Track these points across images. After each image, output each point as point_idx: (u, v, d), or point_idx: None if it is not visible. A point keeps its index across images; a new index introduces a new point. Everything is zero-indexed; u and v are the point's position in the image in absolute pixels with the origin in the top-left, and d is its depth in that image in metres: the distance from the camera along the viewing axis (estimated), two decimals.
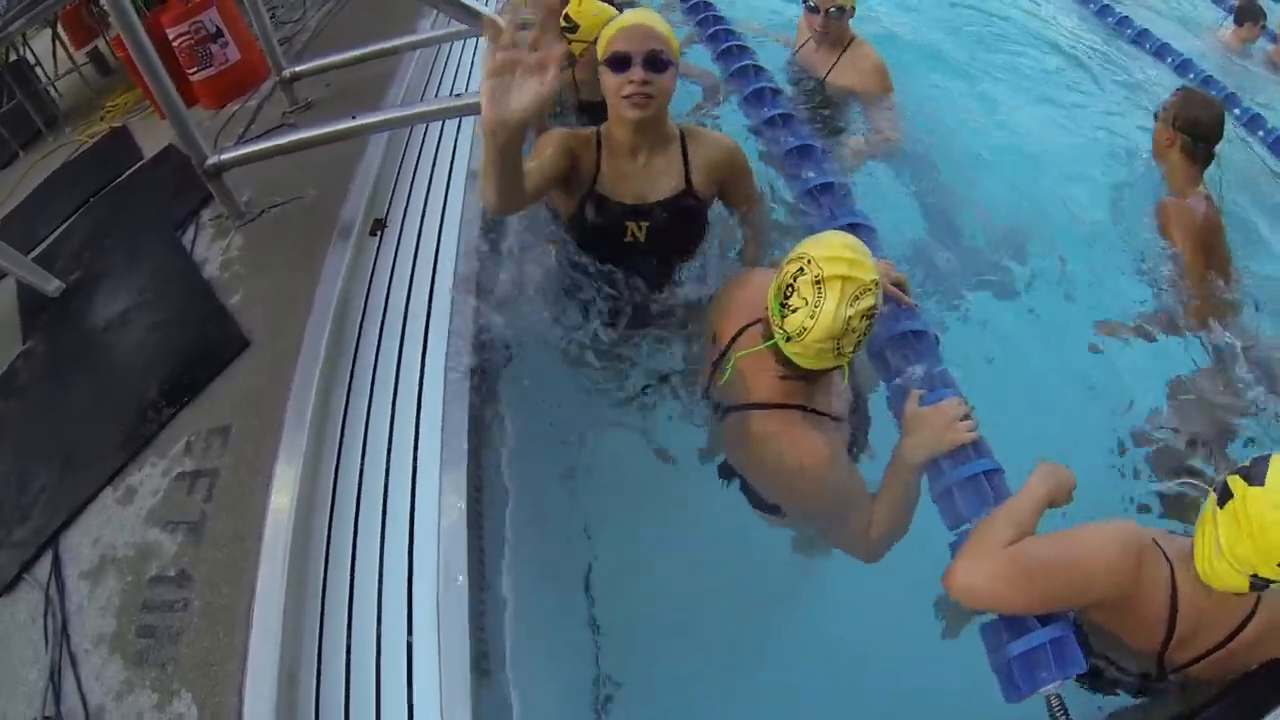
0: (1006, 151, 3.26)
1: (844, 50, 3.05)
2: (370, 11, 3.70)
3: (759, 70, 2.56)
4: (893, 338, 1.74)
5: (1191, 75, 3.97)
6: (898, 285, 1.78)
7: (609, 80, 1.74)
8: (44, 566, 1.65)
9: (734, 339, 1.63)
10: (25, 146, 4.45)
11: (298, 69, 2.71)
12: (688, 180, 1.89)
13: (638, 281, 1.99)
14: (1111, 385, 2.38)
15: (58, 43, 4.18)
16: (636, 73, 1.69)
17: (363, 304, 1.96)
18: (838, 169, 2.32)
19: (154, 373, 1.99)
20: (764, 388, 1.53)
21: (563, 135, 1.85)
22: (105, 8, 1.93)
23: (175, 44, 3.15)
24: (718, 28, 2.78)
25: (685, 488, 1.94)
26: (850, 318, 1.32)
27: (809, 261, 1.34)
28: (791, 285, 1.36)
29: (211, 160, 2.13)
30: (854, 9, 2.98)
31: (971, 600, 1.32)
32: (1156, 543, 1.30)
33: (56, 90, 4.50)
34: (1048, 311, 2.60)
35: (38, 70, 4.43)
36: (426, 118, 2.24)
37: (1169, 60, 4.19)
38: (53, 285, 2.52)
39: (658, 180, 1.88)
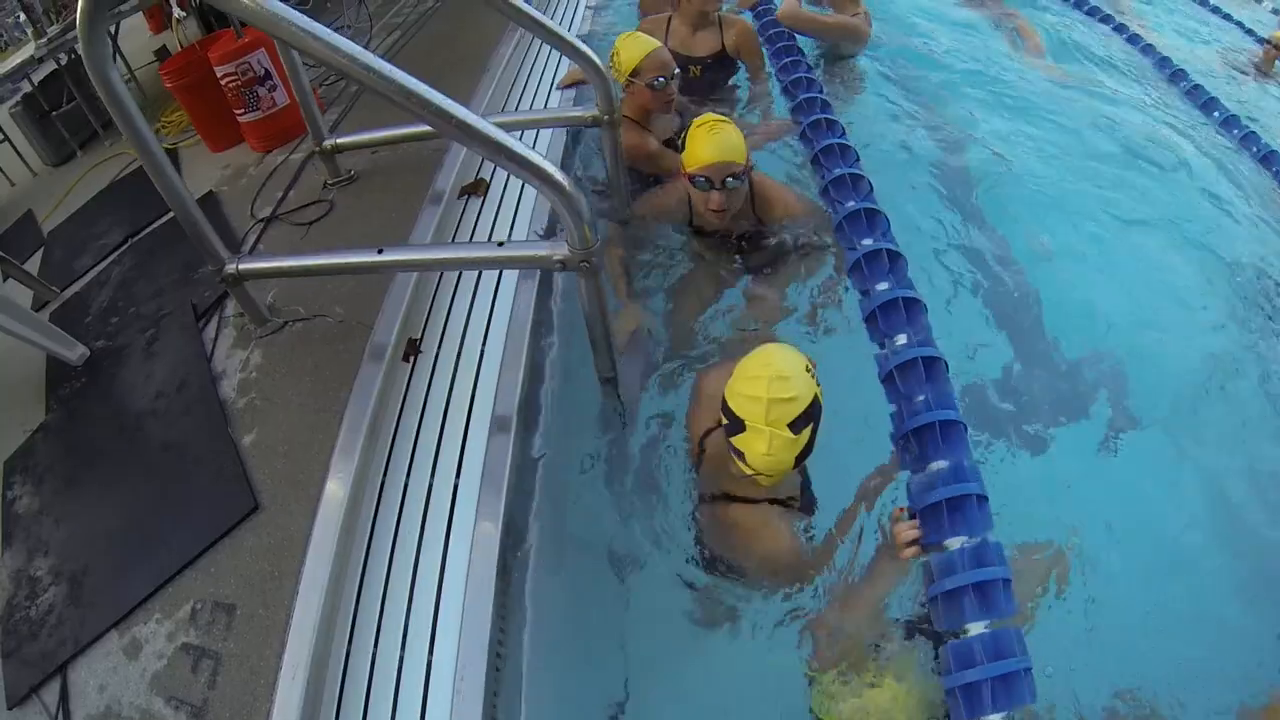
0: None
1: None
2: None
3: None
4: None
5: None
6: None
7: (695, 193, 2.19)
8: (52, 692, 1.61)
9: (704, 438, 1.78)
10: (84, 146, 4.42)
11: (339, 141, 2.46)
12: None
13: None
14: None
15: (118, 55, 4.06)
16: (715, 197, 2.15)
17: (385, 463, 1.75)
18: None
19: (163, 507, 1.85)
20: (737, 483, 1.66)
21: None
22: None
23: (223, 82, 2.95)
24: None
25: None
26: (782, 446, 1.44)
27: (736, 399, 1.48)
28: (732, 420, 1.50)
29: (230, 268, 1.91)
30: None
31: None
32: None
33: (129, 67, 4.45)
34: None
35: None
36: (463, 265, 1.97)
37: None
38: (77, 353, 2.42)
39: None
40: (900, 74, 3.94)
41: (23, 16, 4.66)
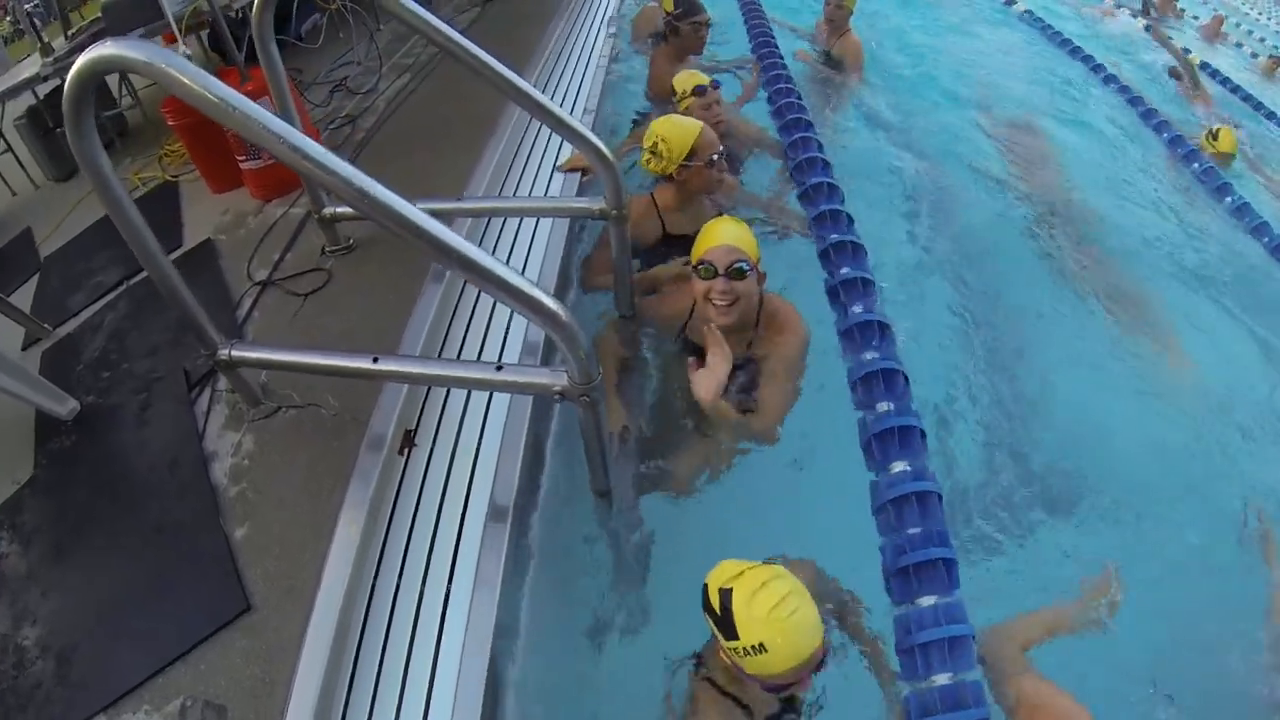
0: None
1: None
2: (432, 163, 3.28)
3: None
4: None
5: None
6: None
7: (698, 284, 2.14)
8: None
9: None
10: None
11: (337, 211, 2.43)
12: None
13: None
14: None
15: (123, 83, 4.02)
16: (719, 285, 2.08)
17: (376, 567, 1.75)
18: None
19: (153, 594, 1.84)
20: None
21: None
22: None
23: (225, 128, 2.91)
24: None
25: None
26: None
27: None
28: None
29: (224, 353, 1.89)
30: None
31: None
32: None
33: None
34: None
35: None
36: (459, 384, 1.94)
37: None
38: (67, 407, 2.40)
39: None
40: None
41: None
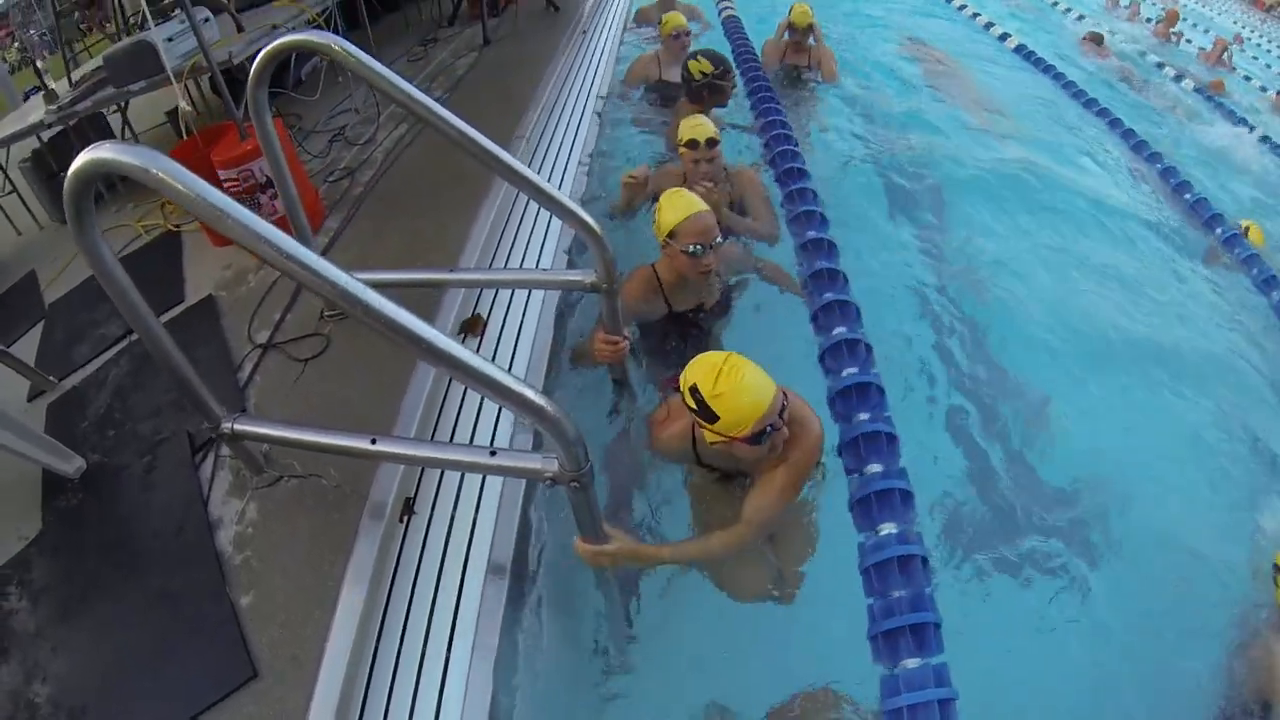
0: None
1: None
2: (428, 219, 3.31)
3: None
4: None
5: None
6: None
7: (682, 260, 2.44)
8: None
9: None
10: (96, 200, 4.44)
11: None
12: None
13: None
14: None
15: (126, 126, 4.10)
16: (709, 258, 2.43)
17: (380, 622, 1.84)
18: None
19: (160, 658, 1.90)
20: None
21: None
22: None
23: (225, 186, 3.01)
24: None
25: None
26: None
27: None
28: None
29: (226, 427, 1.97)
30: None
31: None
32: None
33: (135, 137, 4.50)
34: None
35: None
36: (454, 466, 2.02)
37: None
38: (74, 466, 2.47)
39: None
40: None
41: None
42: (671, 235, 2.44)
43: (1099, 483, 2.66)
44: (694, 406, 1.79)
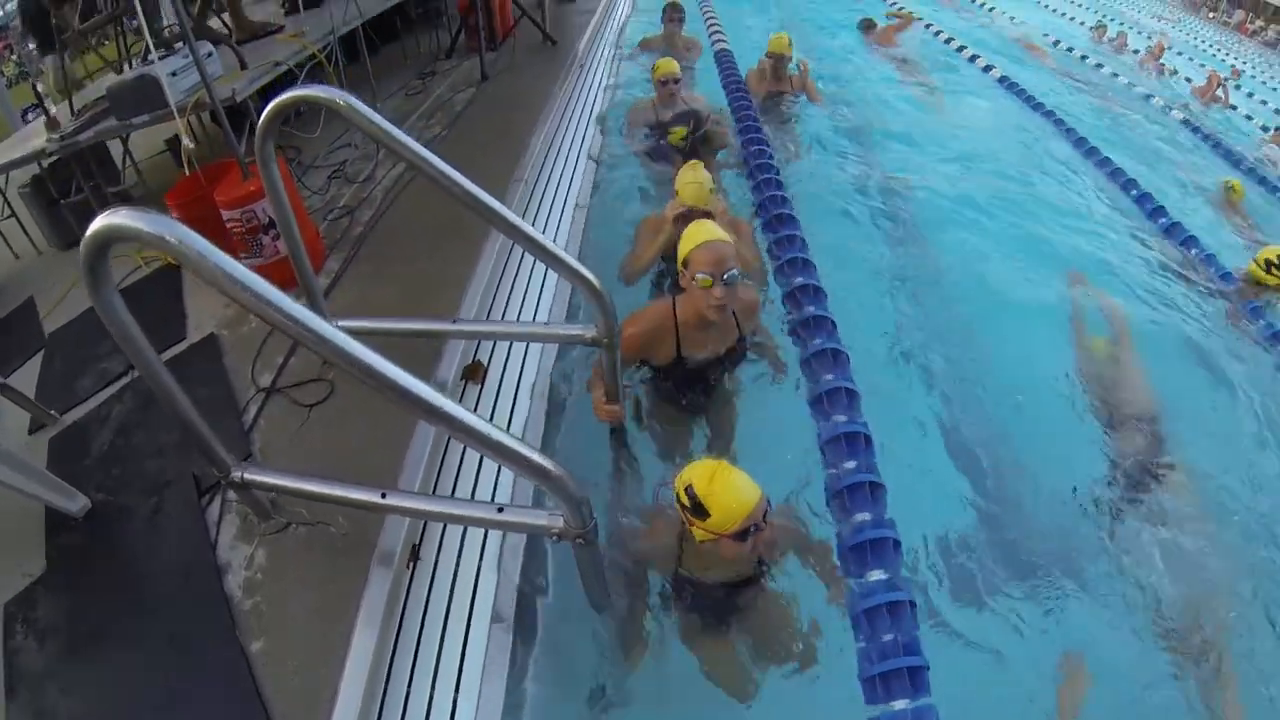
0: None
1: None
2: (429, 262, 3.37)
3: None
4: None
5: None
6: None
7: (698, 294, 2.39)
8: None
9: None
10: None
11: (340, 325, 2.57)
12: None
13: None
14: None
15: (127, 155, 4.15)
16: (718, 289, 2.36)
17: (388, 667, 1.90)
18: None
19: (173, 705, 1.93)
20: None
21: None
22: None
23: (228, 225, 3.06)
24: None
25: None
26: None
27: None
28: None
29: (235, 475, 2.03)
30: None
31: None
32: None
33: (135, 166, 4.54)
34: None
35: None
36: (462, 521, 2.08)
37: None
38: (78, 505, 2.48)
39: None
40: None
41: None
42: (685, 264, 2.42)
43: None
44: (687, 504, 1.92)
